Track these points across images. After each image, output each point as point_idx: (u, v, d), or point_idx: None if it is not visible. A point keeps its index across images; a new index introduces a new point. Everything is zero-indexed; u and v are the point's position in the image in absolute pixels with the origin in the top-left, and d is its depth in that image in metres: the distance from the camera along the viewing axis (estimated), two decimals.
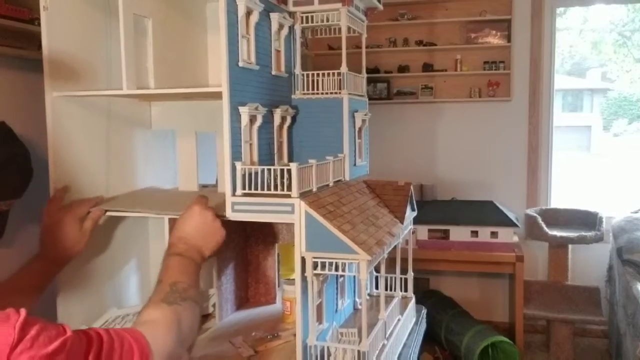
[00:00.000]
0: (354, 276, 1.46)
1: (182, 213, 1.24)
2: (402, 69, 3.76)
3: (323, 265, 1.17)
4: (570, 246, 3.33)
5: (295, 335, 1.24)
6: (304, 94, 1.52)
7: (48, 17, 1.35)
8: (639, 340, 2.42)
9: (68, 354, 0.74)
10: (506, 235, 3.18)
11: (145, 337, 0.90)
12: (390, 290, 1.66)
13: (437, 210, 3.31)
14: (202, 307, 1.20)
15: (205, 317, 1.60)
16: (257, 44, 1.33)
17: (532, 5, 3.56)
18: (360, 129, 1.57)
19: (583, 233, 3.19)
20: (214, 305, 1.61)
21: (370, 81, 3.71)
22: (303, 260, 1.18)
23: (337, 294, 1.47)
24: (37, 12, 1.39)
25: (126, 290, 1.66)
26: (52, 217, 1.31)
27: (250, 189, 1.23)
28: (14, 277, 1.24)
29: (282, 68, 1.47)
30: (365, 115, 1.59)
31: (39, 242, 1.31)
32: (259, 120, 1.31)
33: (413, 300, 1.71)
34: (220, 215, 1.25)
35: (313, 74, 1.51)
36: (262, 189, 1.22)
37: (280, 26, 1.44)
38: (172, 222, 1.29)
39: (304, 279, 1.19)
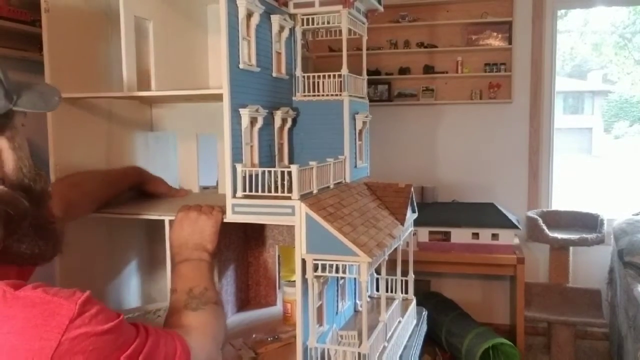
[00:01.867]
0: (355, 278, 1.46)
1: (170, 228, 1.28)
2: (403, 71, 3.76)
3: (324, 267, 1.17)
4: (571, 248, 3.33)
5: (295, 337, 1.24)
6: (305, 95, 1.52)
7: (49, 19, 1.35)
8: None
9: (120, 335, 0.80)
10: (507, 237, 3.17)
11: (184, 338, 0.95)
12: (391, 292, 1.65)
13: (438, 212, 3.31)
14: (223, 304, 1.22)
15: None
16: (257, 46, 1.33)
17: (533, 7, 3.56)
18: (361, 131, 1.57)
19: (584, 235, 3.18)
20: None
21: (371, 83, 3.71)
22: (304, 262, 1.18)
23: (337, 296, 1.47)
24: (38, 14, 1.39)
25: (127, 291, 1.66)
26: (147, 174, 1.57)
27: (251, 190, 1.23)
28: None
29: (283, 70, 1.47)
30: (366, 117, 1.59)
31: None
32: (259, 122, 1.31)
33: (414, 302, 1.71)
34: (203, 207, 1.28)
35: (314, 76, 1.51)
36: (263, 190, 1.22)
37: (281, 28, 1.44)
38: (172, 225, 1.29)
39: (304, 281, 1.19)
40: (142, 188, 1.55)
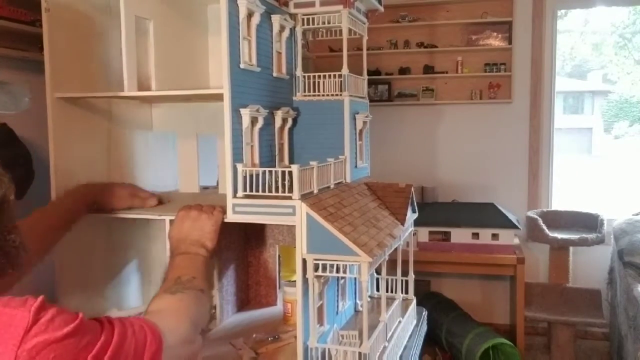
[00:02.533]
0: (355, 278, 1.46)
1: (171, 226, 1.28)
2: (403, 71, 3.76)
3: (324, 267, 1.17)
4: (571, 248, 3.33)
5: (296, 337, 1.24)
6: (305, 95, 1.52)
7: (49, 19, 1.35)
8: None
9: (82, 336, 0.76)
10: (507, 237, 3.17)
11: (154, 324, 0.92)
12: (391, 292, 1.65)
13: (438, 212, 3.31)
14: (211, 294, 1.21)
15: None
16: (258, 46, 1.33)
17: (533, 7, 3.56)
18: (361, 131, 1.57)
19: (584, 235, 3.18)
20: (214, 307, 1.61)
21: (371, 83, 3.71)
22: (304, 262, 1.18)
23: (337, 295, 1.47)
24: (38, 14, 1.39)
25: (127, 291, 1.66)
26: (125, 188, 1.44)
27: (251, 190, 1.23)
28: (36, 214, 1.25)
29: (283, 70, 1.47)
30: (366, 117, 1.59)
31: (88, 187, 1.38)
32: (260, 122, 1.31)
33: (414, 302, 1.71)
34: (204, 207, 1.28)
35: (314, 76, 1.51)
36: (264, 190, 1.22)
37: (282, 28, 1.44)
38: (172, 223, 1.29)
39: (305, 280, 1.19)
40: (101, 205, 1.37)
